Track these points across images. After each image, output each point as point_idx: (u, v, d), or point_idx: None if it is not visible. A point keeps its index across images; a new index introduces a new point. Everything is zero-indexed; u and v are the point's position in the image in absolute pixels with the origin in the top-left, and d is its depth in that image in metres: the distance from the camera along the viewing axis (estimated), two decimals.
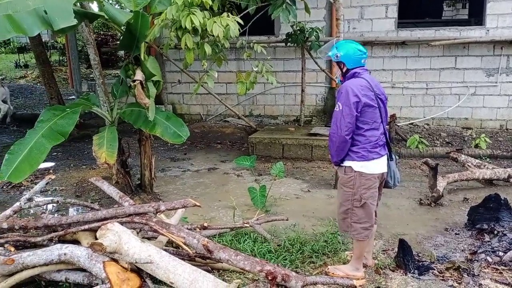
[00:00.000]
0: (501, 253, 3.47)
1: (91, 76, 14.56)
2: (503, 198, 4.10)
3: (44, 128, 3.94)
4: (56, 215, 4.57)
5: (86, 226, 3.04)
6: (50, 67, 9.49)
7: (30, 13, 3.37)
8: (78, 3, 4.09)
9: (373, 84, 3.12)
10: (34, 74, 17.19)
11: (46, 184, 4.20)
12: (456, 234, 4.07)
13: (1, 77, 10.08)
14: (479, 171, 5.39)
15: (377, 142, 3.11)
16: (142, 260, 2.71)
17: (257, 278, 3.09)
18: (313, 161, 6.76)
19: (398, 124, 7.98)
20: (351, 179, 3.11)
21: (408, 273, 3.27)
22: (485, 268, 3.32)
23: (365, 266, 3.34)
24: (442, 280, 3.19)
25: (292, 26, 7.34)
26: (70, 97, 12.17)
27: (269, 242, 3.70)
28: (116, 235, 2.79)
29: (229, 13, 4.38)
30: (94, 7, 5.00)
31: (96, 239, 2.83)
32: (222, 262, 2.97)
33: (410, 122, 8.46)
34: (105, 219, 3.07)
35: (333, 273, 3.24)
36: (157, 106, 4.50)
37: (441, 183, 4.90)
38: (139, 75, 4.20)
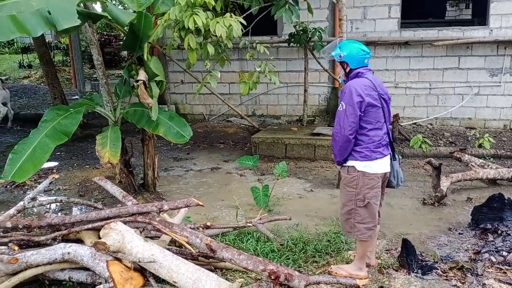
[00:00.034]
0: (505, 253, 3.46)
1: (94, 76, 14.60)
2: (507, 198, 4.09)
3: (47, 128, 3.95)
4: (59, 214, 4.59)
5: (90, 226, 3.05)
6: (54, 67, 9.53)
7: (34, 13, 3.39)
8: (82, 4, 4.11)
9: (377, 84, 3.12)
10: (37, 74, 17.27)
11: (50, 183, 4.22)
12: (459, 233, 4.06)
13: (1, 78, 9.95)
14: (483, 171, 5.37)
15: (380, 142, 3.11)
16: (145, 259, 2.72)
17: (260, 278, 3.09)
18: (316, 160, 6.75)
19: (401, 124, 7.96)
20: (354, 179, 3.10)
21: (411, 273, 3.26)
22: (488, 268, 3.31)
23: (368, 265, 3.33)
24: (446, 279, 3.19)
25: (295, 27, 7.34)
26: (74, 97, 12.21)
27: (272, 242, 3.71)
28: (120, 234, 2.80)
29: (232, 14, 4.38)
30: (98, 8, 5.02)
31: (100, 238, 2.84)
32: (225, 262, 2.98)
33: (413, 122, 8.44)
34: (109, 218, 3.08)
35: (336, 273, 3.24)
36: (160, 106, 4.51)
37: (445, 183, 4.89)
38: (142, 75, 4.21)
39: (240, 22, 4.27)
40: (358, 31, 8.38)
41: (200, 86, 4.89)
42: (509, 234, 3.73)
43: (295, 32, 7.37)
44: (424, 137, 7.05)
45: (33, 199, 3.96)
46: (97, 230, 3.04)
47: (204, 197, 5.11)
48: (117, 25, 4.39)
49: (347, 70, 3.23)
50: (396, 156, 3.33)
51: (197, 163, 6.85)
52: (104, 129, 4.50)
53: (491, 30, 7.87)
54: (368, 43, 7.68)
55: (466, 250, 3.69)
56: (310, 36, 7.26)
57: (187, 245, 2.93)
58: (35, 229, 3.26)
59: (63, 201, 4.32)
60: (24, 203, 3.80)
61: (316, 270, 3.34)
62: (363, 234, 3.13)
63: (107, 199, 5.07)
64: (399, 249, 3.50)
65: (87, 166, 6.68)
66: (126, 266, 2.81)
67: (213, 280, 2.69)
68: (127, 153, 4.94)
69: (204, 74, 5.57)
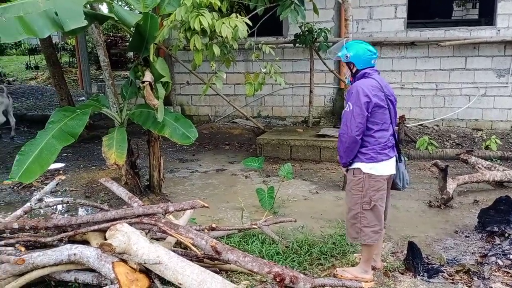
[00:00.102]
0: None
1: (100, 77, 14.68)
2: None
3: (54, 129, 3.98)
4: (66, 215, 4.61)
5: (96, 227, 3.06)
6: (60, 68, 9.58)
7: (41, 15, 3.41)
8: (88, 5, 4.12)
9: (383, 85, 3.11)
10: (44, 76, 17.40)
11: (56, 184, 4.24)
12: (466, 236, 4.03)
13: (6, 82, 9.79)
14: (490, 173, 5.33)
15: (386, 144, 3.09)
16: (151, 261, 2.72)
17: (265, 280, 3.09)
18: (322, 162, 6.73)
19: (407, 125, 7.92)
20: (360, 181, 3.09)
21: (417, 276, 3.24)
22: (495, 271, 3.29)
23: (373, 268, 3.32)
24: (452, 283, 3.16)
25: (300, 27, 7.33)
26: (80, 98, 12.28)
27: (277, 244, 3.70)
28: (125, 236, 2.80)
29: (237, 14, 4.38)
30: (104, 9, 5.04)
31: (105, 239, 2.85)
32: (230, 264, 2.97)
33: (420, 123, 8.40)
34: (114, 219, 3.09)
35: (341, 275, 3.23)
36: (165, 107, 4.52)
37: (451, 185, 4.86)
38: (148, 77, 4.22)
39: (246, 23, 4.27)
40: (364, 31, 8.36)
41: (206, 87, 4.90)
42: None
43: (301, 33, 7.36)
44: (430, 138, 7.02)
45: (40, 200, 3.98)
46: (103, 231, 3.05)
47: (210, 199, 5.12)
48: (123, 26, 4.40)
49: (353, 71, 3.22)
50: (402, 158, 3.31)
51: (203, 165, 6.86)
52: (110, 130, 4.52)
53: (499, 30, 7.81)
54: (374, 44, 7.60)
55: (472, 253, 3.67)
56: (315, 36, 7.24)
57: (192, 247, 2.93)
58: (41, 230, 3.28)
59: (69, 202, 4.35)
60: (31, 204, 3.83)
61: (322, 273, 3.33)
62: (370, 238, 3.11)
63: (113, 200, 5.09)
64: (405, 252, 3.48)
65: (93, 168, 6.71)
66: (132, 268, 2.81)
67: (218, 282, 2.69)
68: (133, 154, 4.95)
69: (210, 75, 5.57)
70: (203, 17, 3.98)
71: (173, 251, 3.03)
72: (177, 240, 3.06)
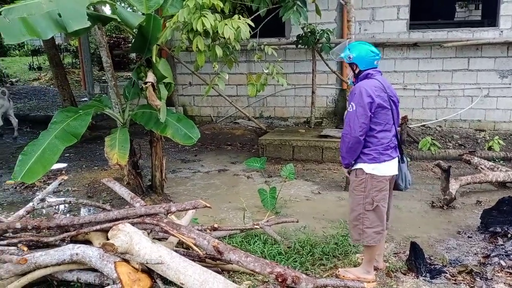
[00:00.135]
0: None
1: (103, 78, 14.72)
2: None
3: (57, 129, 3.99)
4: (68, 215, 4.63)
5: (98, 227, 3.07)
6: (63, 69, 9.62)
7: (44, 16, 3.42)
8: (91, 6, 4.14)
9: (386, 86, 3.11)
10: (47, 76, 17.46)
11: (59, 184, 4.25)
12: (468, 237, 4.02)
13: (7, 85, 9.75)
14: (492, 174, 5.32)
15: (388, 144, 3.09)
16: (153, 261, 2.73)
17: (267, 280, 3.09)
18: (324, 163, 6.73)
19: (410, 126, 7.91)
20: (363, 181, 3.09)
21: (419, 277, 3.24)
22: (498, 272, 3.27)
23: (376, 269, 3.31)
24: (455, 283, 3.16)
25: (302, 28, 7.34)
26: (83, 99, 12.33)
27: (279, 244, 3.70)
28: (127, 236, 2.81)
29: (240, 16, 4.39)
30: (107, 10, 5.05)
31: (108, 239, 2.86)
32: (232, 264, 2.97)
33: (422, 124, 8.39)
34: (117, 219, 3.10)
35: (343, 276, 3.22)
36: (168, 108, 4.53)
37: (454, 186, 4.85)
38: (150, 77, 4.23)
39: (248, 24, 4.28)
40: (367, 32, 8.35)
41: (208, 88, 4.90)
42: None
43: (303, 34, 7.36)
44: (433, 139, 7.00)
45: (42, 200, 4.00)
46: (105, 231, 3.06)
47: (212, 199, 5.12)
48: (126, 28, 4.42)
49: (356, 72, 3.22)
50: (404, 159, 3.31)
51: (205, 165, 6.86)
52: (112, 130, 4.53)
53: (501, 31, 7.79)
54: (376, 45, 7.58)
55: (475, 254, 3.66)
56: (318, 37, 7.25)
57: (194, 247, 2.94)
58: (44, 230, 3.29)
59: (71, 202, 4.36)
60: (33, 204, 3.84)
61: (324, 273, 3.33)
62: (372, 239, 3.10)
63: (115, 200, 5.10)
64: (408, 252, 3.48)
65: (96, 168, 6.72)
66: (134, 268, 2.82)
67: (220, 282, 2.69)
68: (135, 154, 4.96)
69: (212, 76, 5.59)
70: (205, 19, 3.99)
71: (175, 251, 3.04)
72: (179, 240, 3.06)
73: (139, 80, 4.58)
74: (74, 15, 3.47)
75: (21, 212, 3.73)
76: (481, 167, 5.58)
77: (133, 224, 3.03)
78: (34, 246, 3.19)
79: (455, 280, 3.19)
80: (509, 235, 3.78)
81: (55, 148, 3.87)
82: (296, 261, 3.44)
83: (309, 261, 3.47)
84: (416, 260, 3.32)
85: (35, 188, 5.72)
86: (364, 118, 2.99)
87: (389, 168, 3.11)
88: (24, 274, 2.91)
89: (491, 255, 3.52)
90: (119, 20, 4.11)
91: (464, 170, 6.23)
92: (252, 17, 5.18)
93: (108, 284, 2.83)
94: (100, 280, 2.90)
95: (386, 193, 3.14)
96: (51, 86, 15.95)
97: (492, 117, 8.12)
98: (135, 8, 4.57)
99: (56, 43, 10.87)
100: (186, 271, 2.72)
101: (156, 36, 4.17)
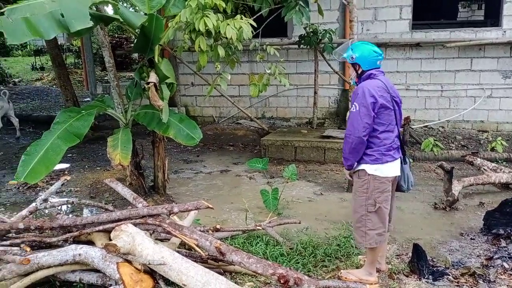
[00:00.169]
0: None
1: (105, 78, 14.74)
2: None
3: (60, 129, 4.00)
4: (71, 216, 4.63)
5: (101, 227, 3.07)
6: (66, 69, 9.63)
7: (47, 16, 3.43)
8: (94, 6, 4.14)
9: (389, 86, 3.10)
10: (50, 77, 17.51)
11: (62, 185, 4.26)
12: (471, 239, 4.01)
13: (2, 89, 9.65)
14: (495, 175, 5.30)
15: (391, 145, 3.08)
16: (155, 262, 2.73)
17: (269, 281, 3.09)
18: (326, 164, 6.72)
19: (413, 127, 7.89)
20: (365, 182, 3.08)
21: (422, 279, 3.23)
22: (501, 275, 3.26)
23: (378, 271, 3.30)
24: (457, 286, 3.15)
25: (305, 28, 7.33)
26: (85, 99, 12.35)
27: (281, 245, 3.69)
28: (130, 236, 2.81)
29: (242, 16, 4.39)
30: (109, 10, 5.06)
31: (110, 240, 2.86)
32: (234, 265, 2.97)
33: (425, 124, 8.36)
34: (119, 220, 3.10)
35: (346, 278, 3.22)
36: (170, 108, 4.53)
37: (457, 187, 4.83)
38: (153, 78, 4.23)
39: (250, 24, 4.28)
40: (369, 32, 8.34)
41: (210, 88, 4.90)
42: None
43: (305, 34, 7.35)
44: (435, 140, 6.99)
45: (45, 200, 4.00)
46: (108, 232, 3.06)
47: (214, 200, 5.12)
48: (128, 28, 4.42)
49: (359, 72, 3.21)
50: (407, 160, 3.30)
51: (207, 166, 6.86)
52: (115, 131, 4.53)
53: (504, 31, 7.77)
54: (379, 45, 7.54)
55: (478, 256, 3.64)
56: (320, 37, 7.24)
57: (196, 248, 2.94)
58: (46, 231, 3.29)
59: (74, 202, 4.37)
60: (36, 204, 3.85)
61: (326, 275, 3.32)
62: (374, 241, 3.10)
63: (117, 201, 5.11)
64: (410, 254, 3.47)
65: (98, 168, 6.73)
66: (136, 268, 2.82)
67: (222, 283, 2.69)
68: (137, 155, 4.96)
69: (214, 76, 5.59)
70: (208, 19, 3.99)
71: (178, 252, 3.04)
72: (182, 241, 3.06)
73: (142, 80, 4.59)
74: (76, 15, 3.48)
75: (24, 212, 3.73)
76: (484, 169, 5.56)
77: (135, 224, 3.03)
78: (37, 246, 3.19)
79: (457, 282, 3.18)
80: None
81: (57, 148, 3.88)
82: (298, 263, 3.44)
83: (311, 263, 3.46)
84: (419, 262, 3.31)
85: (38, 188, 5.73)
86: (368, 118, 2.98)
87: (391, 169, 3.11)
88: (27, 274, 2.92)
89: (494, 257, 3.50)
90: (121, 20, 4.11)
91: (467, 171, 6.21)
92: (254, 17, 5.18)
93: (111, 285, 2.83)
94: (102, 280, 2.91)
95: (389, 194, 3.13)
96: (54, 86, 15.99)
97: (495, 118, 8.09)
98: (137, 8, 4.57)
99: (59, 43, 10.90)
100: (188, 272, 2.72)
101: (158, 36, 4.17)
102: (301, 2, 5.35)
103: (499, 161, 6.40)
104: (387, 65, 8.14)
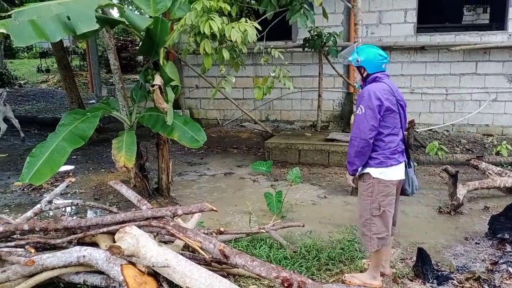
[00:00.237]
0: None
1: (110, 81, 14.81)
2: None
3: (65, 131, 4.02)
4: (75, 217, 4.64)
5: (105, 229, 3.08)
6: (71, 72, 9.69)
7: (53, 18, 3.45)
8: (100, 9, 4.17)
9: (394, 89, 3.10)
10: (55, 79, 17.61)
11: (66, 187, 4.28)
12: (476, 243, 3.99)
13: (4, 91, 9.56)
14: (500, 179, 5.27)
15: (396, 148, 3.07)
16: (159, 264, 2.73)
17: (273, 285, 3.08)
18: (330, 167, 6.71)
19: (417, 130, 7.87)
20: (370, 186, 3.07)
21: (426, 283, 3.21)
22: (506, 279, 3.24)
23: (382, 274, 3.29)
24: None
25: (309, 31, 7.33)
26: (90, 101, 12.41)
27: (285, 249, 3.69)
28: (134, 239, 2.81)
29: (247, 19, 4.40)
30: (115, 13, 5.09)
31: (114, 242, 2.87)
32: (238, 268, 2.97)
33: (429, 128, 8.34)
34: (123, 222, 3.11)
35: (349, 281, 3.21)
36: (175, 110, 4.55)
37: (461, 191, 4.81)
38: (158, 80, 4.25)
39: (255, 27, 4.28)
40: (374, 35, 8.33)
41: (214, 91, 4.91)
42: None
43: (310, 37, 7.36)
44: (440, 143, 6.95)
45: (50, 202, 4.01)
46: (112, 233, 3.07)
47: (217, 202, 5.12)
48: (133, 30, 4.44)
49: (364, 75, 3.21)
50: (411, 163, 3.29)
51: (211, 168, 6.87)
52: (120, 133, 4.55)
53: (510, 35, 7.74)
54: (383, 48, 7.53)
55: (483, 261, 3.62)
56: (325, 41, 7.24)
57: (200, 251, 2.94)
58: (51, 232, 3.30)
59: (79, 204, 4.38)
60: (41, 206, 3.86)
61: (330, 278, 3.31)
62: (376, 244, 3.09)
63: (122, 203, 5.12)
64: (414, 258, 3.45)
65: (103, 170, 6.75)
66: (140, 271, 2.82)
67: (226, 286, 2.69)
68: (142, 157, 4.98)
69: (219, 79, 5.59)
70: (213, 22, 4.00)
71: (181, 254, 3.04)
72: (185, 243, 3.07)
73: (146, 83, 4.60)
74: (82, 18, 3.50)
75: (29, 213, 3.75)
76: (489, 172, 5.53)
77: (139, 226, 3.04)
78: (42, 248, 3.21)
79: (462, 287, 3.16)
80: None
81: (62, 150, 3.89)
82: (302, 266, 3.43)
83: (315, 266, 3.45)
84: (423, 266, 3.30)
85: (43, 190, 5.76)
86: (374, 120, 2.97)
87: (396, 172, 3.10)
88: (31, 275, 2.92)
89: (499, 262, 3.48)
90: (127, 23, 4.14)
91: (471, 175, 6.18)
92: (259, 20, 5.18)
93: (115, 287, 2.83)
94: (106, 282, 2.91)
95: (393, 198, 3.12)
96: (59, 88, 16.08)
97: (500, 121, 8.06)
98: (142, 11, 4.59)
99: (64, 45, 10.96)
100: (192, 275, 2.72)
101: (163, 39, 4.19)
102: (305, 5, 5.36)
103: (504, 165, 6.37)
104: (391, 69, 8.12)
